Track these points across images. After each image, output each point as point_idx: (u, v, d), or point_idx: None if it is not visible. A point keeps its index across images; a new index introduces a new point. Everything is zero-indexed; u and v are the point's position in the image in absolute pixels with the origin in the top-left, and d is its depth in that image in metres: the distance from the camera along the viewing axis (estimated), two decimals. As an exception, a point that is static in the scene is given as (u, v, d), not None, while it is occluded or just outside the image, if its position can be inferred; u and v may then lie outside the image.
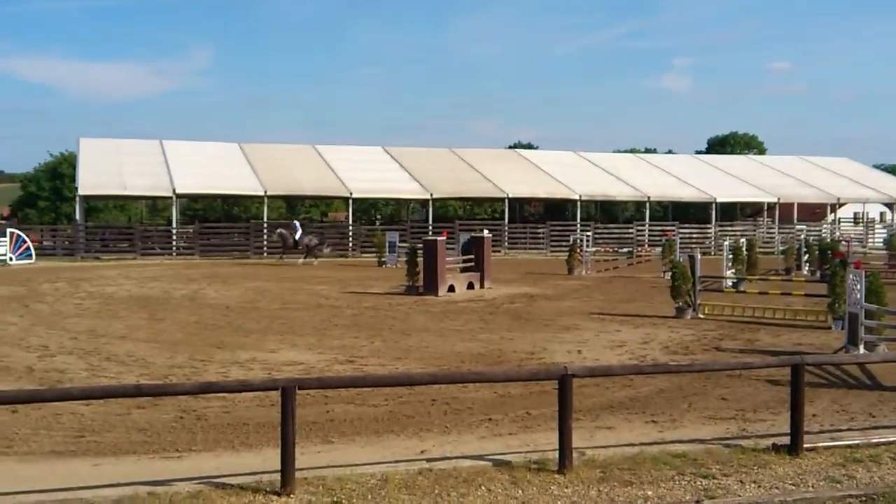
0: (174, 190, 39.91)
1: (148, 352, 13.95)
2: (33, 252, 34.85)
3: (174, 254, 39.39)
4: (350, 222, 44.41)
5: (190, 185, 40.86)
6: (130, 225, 48.08)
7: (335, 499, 6.76)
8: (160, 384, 10.37)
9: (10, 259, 33.41)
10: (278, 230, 37.00)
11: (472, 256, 25.39)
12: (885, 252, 37.12)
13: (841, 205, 51.35)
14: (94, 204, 56.64)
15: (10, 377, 11.81)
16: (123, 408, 9.87)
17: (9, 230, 35.26)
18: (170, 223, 43.25)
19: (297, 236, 35.57)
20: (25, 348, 14.24)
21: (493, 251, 29.05)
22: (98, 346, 14.55)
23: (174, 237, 41.02)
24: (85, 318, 18.02)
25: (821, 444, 8.42)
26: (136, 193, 44.37)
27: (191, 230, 41.68)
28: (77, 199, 40.43)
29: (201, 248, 39.65)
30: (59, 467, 7.84)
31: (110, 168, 40.80)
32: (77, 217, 40.69)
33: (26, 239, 35.06)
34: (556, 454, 7.69)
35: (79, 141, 43.93)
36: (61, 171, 63.16)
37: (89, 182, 39.71)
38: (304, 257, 35.14)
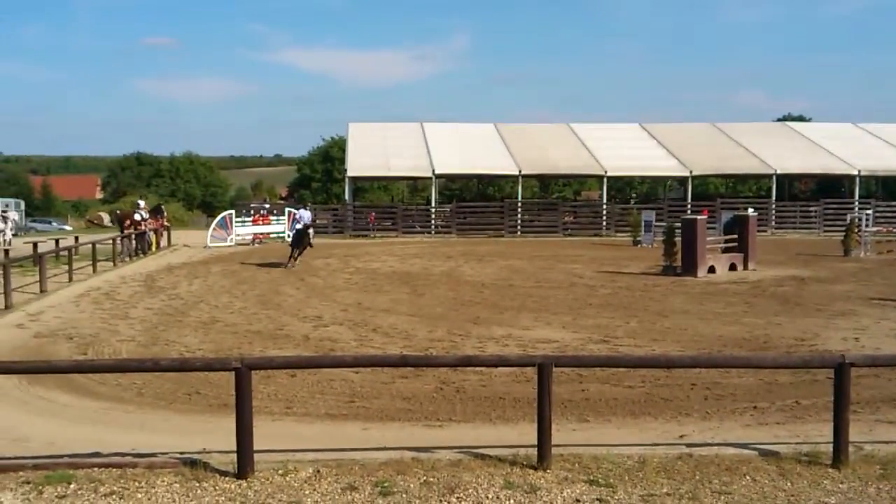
0: (433, 170, 41.57)
1: (410, 325, 14.65)
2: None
3: (432, 232, 41.09)
4: (604, 201, 43.88)
5: (448, 165, 42.34)
6: (393, 204, 50.79)
7: (592, 477, 6.70)
8: (424, 356, 10.82)
9: (288, 236, 36.55)
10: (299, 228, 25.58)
11: (734, 236, 24.14)
12: None
13: None
14: (361, 185, 60.45)
15: (289, 344, 12.91)
16: (389, 377, 10.43)
17: (287, 209, 38.59)
18: (429, 203, 45.15)
19: (311, 232, 25.71)
20: (302, 318, 15.50)
21: (759, 231, 27.39)
22: (365, 318, 15.51)
23: (433, 216, 42.77)
24: (353, 292, 19.29)
25: None
26: (399, 174, 46.74)
27: (448, 209, 43.23)
28: (346, 180, 43.33)
29: (458, 226, 41.04)
30: (332, 429, 8.45)
31: (376, 150, 43.27)
32: (346, 197, 43.65)
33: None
34: (830, 447, 7.12)
35: (348, 126, 47.04)
36: (332, 155, 68.07)
37: (357, 164, 42.40)
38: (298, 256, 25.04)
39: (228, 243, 33.98)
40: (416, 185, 66.40)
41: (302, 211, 27.32)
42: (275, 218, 37.24)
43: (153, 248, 30.90)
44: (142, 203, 34.63)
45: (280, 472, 6.75)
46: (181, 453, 7.17)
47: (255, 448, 6.78)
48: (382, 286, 20.38)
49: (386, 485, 6.47)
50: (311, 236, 25.38)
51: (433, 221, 42.34)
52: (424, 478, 6.65)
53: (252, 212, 37.30)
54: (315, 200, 62.21)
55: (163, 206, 35.72)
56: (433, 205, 43.63)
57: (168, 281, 21.65)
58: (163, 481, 6.56)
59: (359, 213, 43.32)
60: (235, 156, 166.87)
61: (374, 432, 8.27)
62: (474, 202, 48.16)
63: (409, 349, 12.34)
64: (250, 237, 35.19)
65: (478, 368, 10.33)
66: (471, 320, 15.14)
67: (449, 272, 23.74)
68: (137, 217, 31.30)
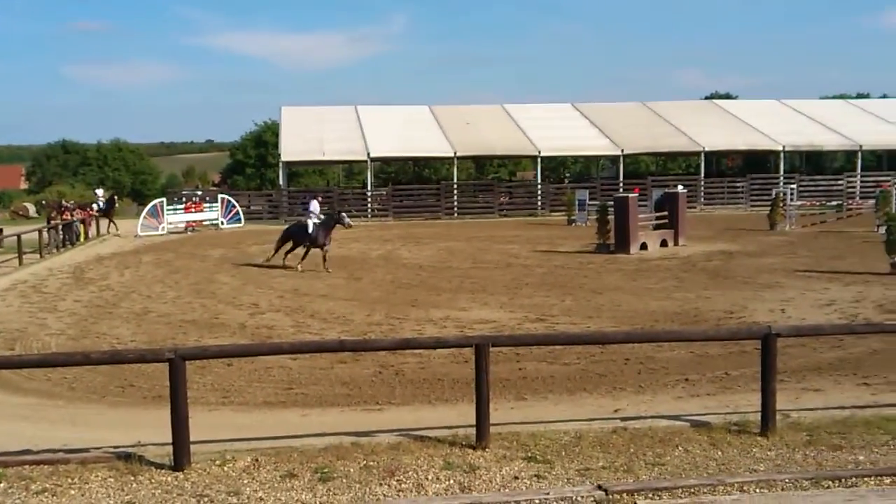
0: (368, 154, 41.33)
1: (348, 309, 14.61)
2: (242, 216, 37.32)
3: (369, 216, 40.92)
4: (539, 181, 44.25)
5: (383, 148, 42.13)
6: (329, 189, 50.32)
7: (529, 454, 6.80)
8: (362, 340, 10.83)
9: (222, 223, 36.00)
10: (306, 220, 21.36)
11: (665, 213, 24.61)
12: None
13: None
14: (295, 169, 59.77)
15: (225, 332, 12.76)
16: (328, 362, 10.40)
17: (220, 196, 37.96)
18: (365, 186, 44.91)
19: (310, 227, 20.82)
20: (238, 306, 15.32)
21: (689, 207, 28.01)
22: (302, 304, 15.40)
23: (369, 200, 42.58)
24: (289, 278, 19.11)
25: None
26: (334, 158, 46.30)
27: (384, 192, 43.08)
28: (280, 165, 42.80)
29: (394, 209, 40.94)
30: (270, 417, 8.40)
31: (310, 135, 42.77)
32: (281, 182, 43.13)
33: (236, 204, 37.57)
34: (758, 416, 7.37)
35: (281, 110, 46.39)
36: (265, 139, 66.99)
37: (291, 149, 41.88)
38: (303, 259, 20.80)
39: (160, 232, 33.27)
40: (351, 168, 66.02)
41: (312, 202, 22.85)
42: (208, 205, 36.59)
43: (81, 239, 30.13)
44: (100, 192, 34.38)
45: (217, 462, 6.68)
46: (115, 447, 7.03)
47: (192, 439, 6.69)
48: (320, 271, 20.22)
49: (326, 471, 6.46)
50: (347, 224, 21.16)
51: (370, 205, 42.15)
52: (364, 462, 6.66)
53: (184, 199, 36.54)
54: (249, 186, 61.29)
55: (115, 197, 36.26)
56: (369, 188, 43.43)
57: (98, 272, 21.14)
58: (97, 476, 6.43)
59: (294, 198, 42.87)
60: (165, 142, 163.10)
61: (313, 418, 8.24)
62: (410, 185, 48.06)
63: (347, 334, 12.32)
64: (183, 225, 34.53)
65: (416, 351, 10.37)
66: (409, 303, 15.17)
67: (386, 255, 23.69)
68: (95, 207, 31.40)
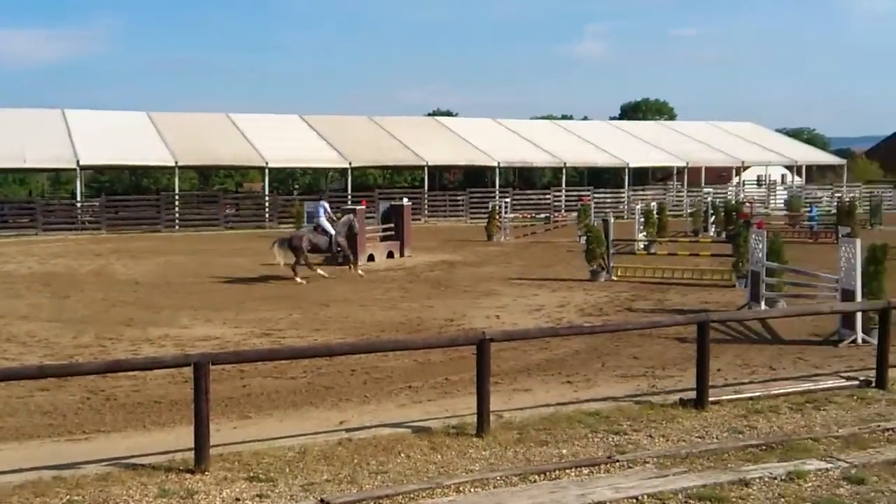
0: (78, 161, 38.39)
1: (51, 332, 13.40)
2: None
3: (80, 228, 38.01)
4: (266, 193, 43.61)
5: (95, 156, 39.36)
6: (31, 199, 46.03)
7: (252, 473, 6.61)
8: (65, 364, 9.96)
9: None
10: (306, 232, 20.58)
11: (391, 225, 25.24)
12: (785, 213, 38.57)
13: (745, 168, 52.91)
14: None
15: None
16: (26, 390, 9.43)
17: None
18: (74, 196, 41.70)
19: (331, 230, 20.26)
20: (-82, 331, 13.50)
21: (413, 219, 28.96)
22: (-2, 326, 13.91)
23: (79, 211, 39.55)
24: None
25: (724, 398, 8.77)
26: (37, 166, 42.55)
27: (97, 204, 40.24)
28: (-28, 173, 38.53)
29: (108, 222, 38.31)
30: (-45, 455, 7.45)
31: (8, 140, 38.89)
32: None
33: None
34: (475, 418, 7.72)
35: (-29, 112, 41.75)
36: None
37: (-16, 155, 37.82)
38: (343, 262, 20.55)
39: None
40: (58, 177, 61.03)
41: (324, 202, 21.34)
42: None
43: None
44: None
45: None
46: None
47: None
48: (18, 290, 18.41)
49: (21, 511, 5.84)
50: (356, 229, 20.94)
51: (80, 217, 39.14)
52: (68, 497, 6.11)
53: None
54: (-65, 196, 54.53)
55: None
56: (79, 199, 40.35)
57: None
58: None
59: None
60: None
61: (7, 453, 7.41)
62: (127, 195, 45.39)
63: (49, 358, 11.27)
64: None
65: (131, 373, 9.71)
66: (123, 322, 14.23)
67: (98, 271, 22.11)
68: None
